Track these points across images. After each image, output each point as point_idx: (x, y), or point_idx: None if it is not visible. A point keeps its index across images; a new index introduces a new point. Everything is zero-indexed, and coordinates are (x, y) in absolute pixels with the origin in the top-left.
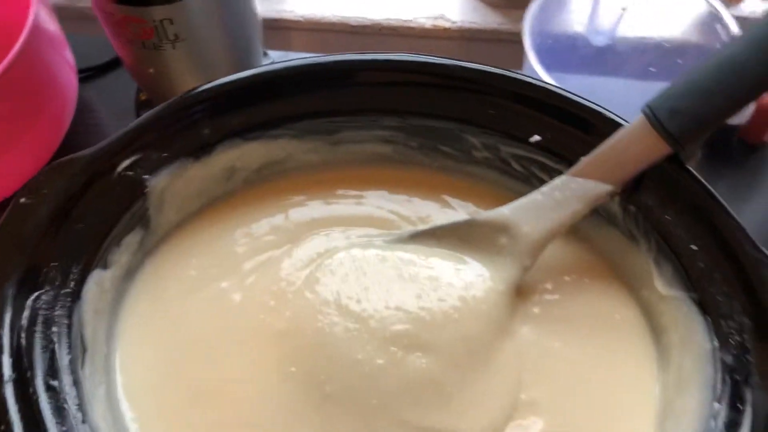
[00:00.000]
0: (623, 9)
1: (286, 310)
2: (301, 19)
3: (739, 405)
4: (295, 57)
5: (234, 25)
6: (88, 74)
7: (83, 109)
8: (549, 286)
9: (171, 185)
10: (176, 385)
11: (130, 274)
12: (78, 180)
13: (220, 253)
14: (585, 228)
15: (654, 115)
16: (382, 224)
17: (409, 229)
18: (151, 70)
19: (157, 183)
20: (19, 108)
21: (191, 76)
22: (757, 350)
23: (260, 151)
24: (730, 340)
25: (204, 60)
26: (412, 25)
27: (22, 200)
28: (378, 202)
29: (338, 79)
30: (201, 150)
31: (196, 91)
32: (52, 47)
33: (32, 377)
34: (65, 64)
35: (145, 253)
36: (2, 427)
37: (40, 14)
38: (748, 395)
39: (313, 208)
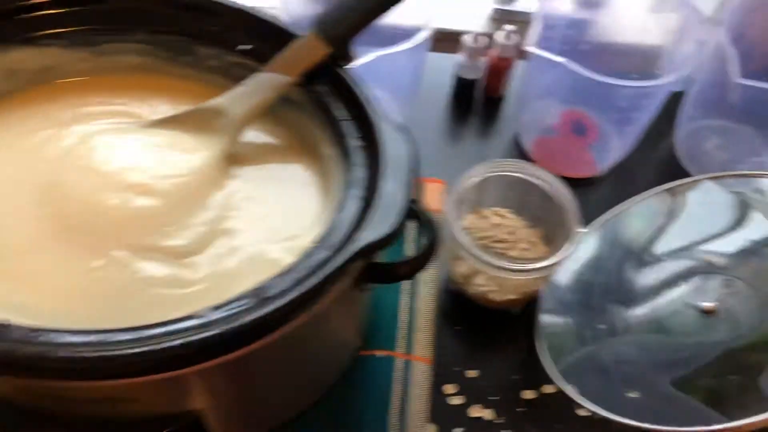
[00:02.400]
0: None
1: (47, 169)
2: None
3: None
4: None
5: None
6: None
7: None
8: (256, 155)
9: None
10: None
11: None
12: None
13: (7, 132)
14: (279, 112)
15: (318, 25)
16: (132, 117)
17: (150, 119)
18: None
19: None
20: None
21: None
22: (367, 172)
23: (34, 55)
24: (355, 171)
25: None
26: None
27: None
28: (136, 102)
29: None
30: None
31: None
32: None
33: None
34: None
35: None
36: None
37: None
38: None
39: (83, 105)
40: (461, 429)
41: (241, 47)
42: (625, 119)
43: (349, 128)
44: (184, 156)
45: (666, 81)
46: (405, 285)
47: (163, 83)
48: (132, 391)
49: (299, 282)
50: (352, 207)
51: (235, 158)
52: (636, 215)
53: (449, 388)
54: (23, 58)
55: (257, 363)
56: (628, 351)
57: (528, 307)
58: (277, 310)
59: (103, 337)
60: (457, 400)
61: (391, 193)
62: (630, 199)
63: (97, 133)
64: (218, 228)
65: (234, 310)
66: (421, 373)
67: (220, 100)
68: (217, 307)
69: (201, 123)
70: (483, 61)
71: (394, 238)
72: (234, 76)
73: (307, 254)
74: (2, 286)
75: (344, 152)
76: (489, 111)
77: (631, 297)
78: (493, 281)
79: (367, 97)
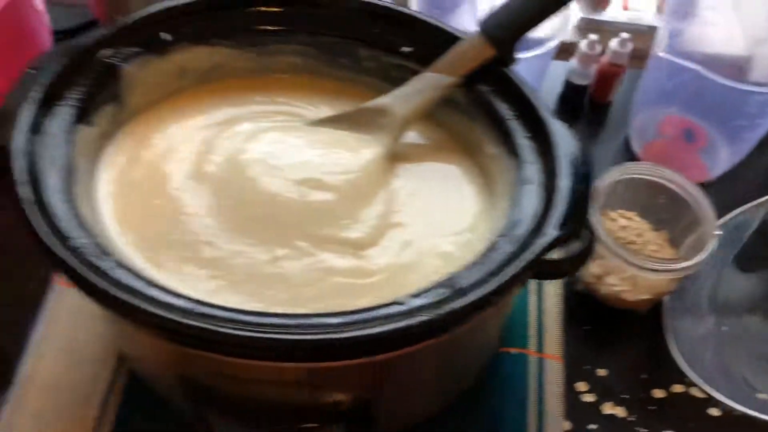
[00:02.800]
0: None
1: (225, 164)
2: None
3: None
4: None
5: None
6: (60, 36)
7: None
8: (416, 154)
9: (138, 73)
10: (145, 202)
11: (108, 134)
12: (72, 60)
13: (178, 128)
14: (439, 114)
15: (484, 27)
16: (294, 116)
17: (313, 118)
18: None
19: (128, 70)
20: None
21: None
22: (543, 169)
23: (205, 55)
24: (527, 168)
25: None
26: None
27: (29, 71)
28: (296, 101)
29: (264, 3)
30: (162, 49)
31: (159, 7)
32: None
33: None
34: (41, 22)
35: (120, 122)
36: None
37: None
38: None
39: (248, 103)
40: (595, 426)
41: (403, 49)
42: (749, 126)
43: (515, 126)
44: (350, 154)
45: None
46: (532, 285)
47: (320, 84)
48: (323, 377)
49: (491, 274)
50: (531, 202)
51: (396, 157)
52: (751, 220)
53: (581, 386)
54: (194, 57)
55: (429, 353)
56: (755, 350)
57: (654, 307)
58: (478, 300)
59: (316, 321)
60: (589, 398)
61: (573, 189)
62: (747, 205)
63: (265, 130)
64: (388, 222)
65: (432, 299)
66: (553, 371)
67: (385, 100)
68: (415, 295)
69: (365, 122)
70: (594, 68)
71: (580, 233)
72: (391, 78)
73: (492, 248)
74: (193, 271)
75: (512, 150)
76: (596, 116)
77: (753, 300)
78: (627, 281)
79: (535, 95)
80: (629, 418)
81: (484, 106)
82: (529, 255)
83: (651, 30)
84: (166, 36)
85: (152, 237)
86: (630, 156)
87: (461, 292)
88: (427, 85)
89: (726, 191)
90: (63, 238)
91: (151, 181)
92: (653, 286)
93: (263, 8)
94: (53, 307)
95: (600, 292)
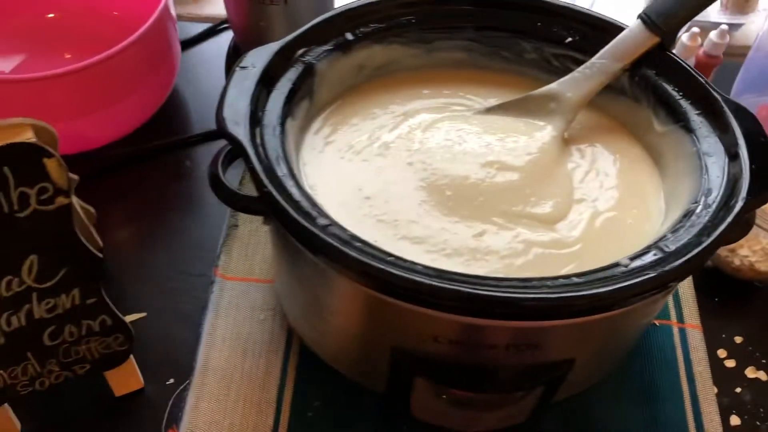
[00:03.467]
0: None
1: (413, 151)
2: None
3: (717, 176)
4: None
5: None
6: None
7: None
8: (583, 137)
9: (328, 70)
10: (351, 189)
11: (304, 128)
12: (274, 60)
13: (362, 120)
14: (602, 100)
15: (647, 17)
16: (461, 107)
17: (484, 105)
18: (262, 23)
19: (320, 67)
20: (146, 63)
21: (290, 30)
22: (721, 141)
23: (380, 53)
24: (705, 142)
25: (302, 15)
26: None
27: (237, 69)
28: (462, 92)
29: (433, 3)
30: (346, 47)
31: (343, 8)
32: (171, 22)
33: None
34: (175, 34)
35: (311, 116)
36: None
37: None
38: (726, 167)
39: (418, 96)
40: (740, 389)
41: (568, 40)
42: None
43: (685, 105)
44: (526, 137)
45: None
46: None
47: (484, 76)
48: (543, 337)
49: (699, 235)
50: (717, 172)
51: (567, 140)
52: None
53: (721, 353)
54: (372, 54)
55: (624, 315)
56: None
57: None
58: (693, 258)
59: (555, 282)
60: (730, 363)
61: (756, 158)
62: None
63: (442, 120)
64: (572, 198)
65: (650, 260)
66: (696, 339)
67: (554, 86)
68: (633, 258)
69: (535, 108)
70: (692, 60)
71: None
72: (552, 68)
73: (688, 214)
74: (409, 247)
75: (686, 126)
76: None
77: None
78: (758, 252)
79: (701, 76)
80: None
81: (650, 88)
82: (730, 216)
83: (738, 26)
84: (349, 35)
85: (360, 218)
86: None
87: (675, 254)
88: (596, 71)
89: None
90: (310, 218)
91: (349, 168)
92: None
93: (430, 8)
94: (217, 299)
95: (732, 265)
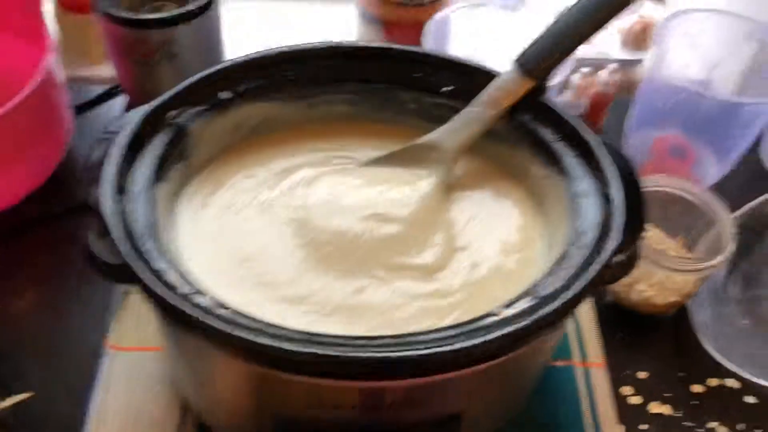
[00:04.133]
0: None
1: (293, 208)
2: None
3: (592, 217)
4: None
5: (211, 43)
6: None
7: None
8: (465, 184)
9: (203, 131)
10: (229, 251)
11: (178, 192)
12: (142, 124)
13: (240, 180)
14: (483, 146)
15: (520, 62)
16: (347, 160)
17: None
18: (148, 85)
19: (194, 128)
20: (30, 129)
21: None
22: (594, 182)
23: (259, 110)
24: (580, 184)
25: (190, 73)
26: None
27: (105, 137)
28: (347, 146)
29: (315, 59)
30: (222, 106)
31: (218, 67)
32: (57, 87)
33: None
34: (64, 99)
35: (186, 179)
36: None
37: (52, 61)
38: (600, 208)
39: (301, 152)
40: (646, 426)
41: (444, 89)
42: (739, 137)
43: (561, 148)
44: (408, 187)
45: None
46: None
47: (366, 127)
48: (424, 393)
49: (572, 279)
50: (592, 213)
51: (449, 187)
52: None
53: (626, 390)
54: (249, 113)
55: (509, 363)
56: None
57: (679, 309)
58: (567, 302)
59: (426, 337)
60: (635, 400)
61: (628, 198)
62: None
63: (324, 175)
64: (454, 246)
65: (523, 307)
66: (599, 378)
67: (434, 136)
68: (507, 306)
69: (417, 158)
70: (585, 99)
71: (639, 237)
72: (433, 117)
73: (563, 257)
74: (286, 309)
75: (562, 169)
76: None
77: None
78: (655, 286)
79: (575, 118)
80: (675, 415)
81: (526, 132)
82: (603, 257)
83: (632, 62)
84: (224, 94)
85: (237, 282)
86: None
87: (549, 298)
88: (472, 119)
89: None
90: (173, 288)
91: (226, 230)
92: (680, 288)
93: (312, 63)
94: (108, 372)
95: (630, 300)
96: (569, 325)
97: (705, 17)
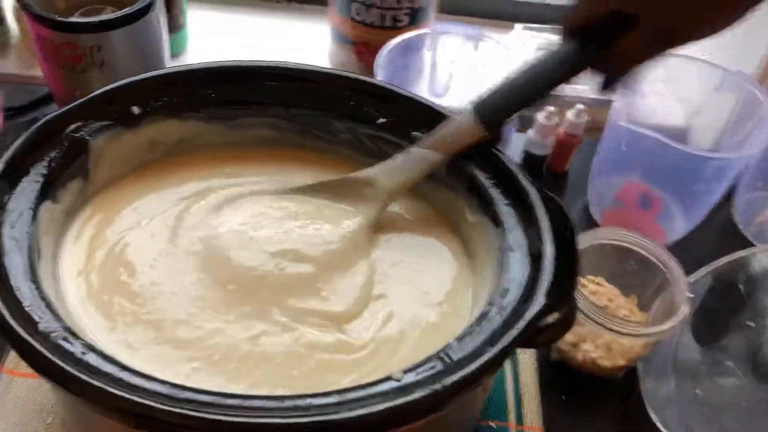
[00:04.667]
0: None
1: (199, 237)
2: None
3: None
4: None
5: (148, 51)
6: (11, 113)
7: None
8: (396, 225)
9: (107, 147)
10: (117, 283)
11: (73, 211)
12: (38, 134)
13: (146, 203)
14: (422, 188)
15: (476, 111)
16: (264, 186)
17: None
18: (78, 92)
19: (96, 143)
20: None
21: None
22: (526, 235)
23: (175, 128)
24: (510, 235)
25: None
26: None
27: None
28: (269, 172)
29: (238, 77)
30: (131, 122)
31: (128, 80)
32: None
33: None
34: None
35: (85, 198)
36: None
37: None
38: (528, 265)
39: (219, 175)
40: None
41: (379, 121)
42: (705, 191)
43: (495, 194)
44: (330, 224)
45: (753, 152)
46: None
47: (295, 155)
48: None
49: (485, 344)
50: (517, 270)
51: (377, 228)
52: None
53: None
54: (164, 130)
55: (421, 429)
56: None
57: (627, 372)
58: (475, 372)
59: (309, 402)
60: None
61: (559, 255)
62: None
63: (239, 201)
64: (371, 293)
65: (427, 374)
66: None
67: (371, 172)
68: (409, 370)
69: (348, 192)
70: (551, 138)
71: (568, 300)
72: (369, 150)
73: (481, 318)
74: (168, 352)
75: (494, 217)
76: (555, 185)
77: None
78: (602, 347)
79: (513, 163)
80: None
81: (464, 176)
82: (522, 323)
83: (604, 102)
84: (136, 109)
85: (121, 318)
86: (590, 223)
87: (457, 365)
88: (416, 160)
89: (684, 256)
90: (30, 321)
91: (120, 258)
92: (628, 351)
93: (235, 83)
94: (1, 399)
95: (576, 360)
96: (508, 384)
97: (683, 63)
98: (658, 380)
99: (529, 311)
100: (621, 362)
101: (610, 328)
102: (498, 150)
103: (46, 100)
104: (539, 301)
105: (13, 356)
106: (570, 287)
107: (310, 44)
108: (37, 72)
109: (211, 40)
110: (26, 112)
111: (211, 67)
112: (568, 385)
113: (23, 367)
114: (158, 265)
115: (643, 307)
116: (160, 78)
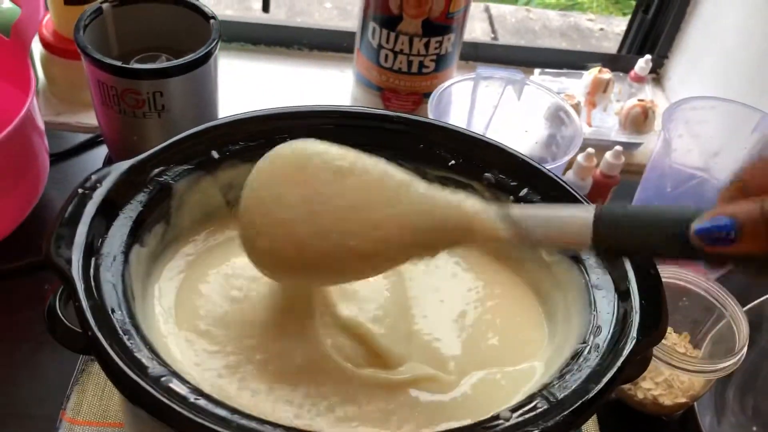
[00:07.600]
0: (494, 107)
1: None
2: None
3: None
4: None
5: (204, 98)
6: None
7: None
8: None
9: (189, 191)
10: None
11: (155, 256)
12: (123, 179)
13: (223, 248)
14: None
15: (599, 224)
16: None
17: None
18: (135, 138)
19: (179, 187)
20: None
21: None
22: (611, 274)
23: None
24: (593, 274)
25: (179, 129)
26: None
27: (80, 191)
28: None
29: (312, 119)
30: (211, 166)
31: (210, 124)
32: (36, 132)
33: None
34: (42, 145)
35: (167, 243)
36: None
37: (33, 105)
38: (615, 302)
39: None
40: None
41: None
42: None
43: None
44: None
45: None
46: None
47: None
48: None
49: (586, 382)
50: (607, 308)
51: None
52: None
53: None
54: (241, 174)
55: None
56: None
57: (685, 412)
58: (580, 407)
59: None
60: None
61: (646, 293)
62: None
63: None
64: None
65: (533, 412)
66: None
67: None
68: (514, 409)
69: None
70: (589, 180)
71: (658, 336)
72: None
73: (577, 356)
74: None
75: (575, 258)
76: None
77: None
78: (662, 385)
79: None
80: None
81: None
82: (620, 360)
83: (634, 145)
84: (215, 153)
85: (217, 366)
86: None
87: (561, 403)
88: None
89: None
90: (141, 367)
91: (205, 309)
92: (688, 388)
93: (308, 124)
94: None
95: (636, 398)
96: None
97: (717, 105)
98: (718, 417)
99: (626, 348)
100: (682, 399)
101: (675, 366)
102: (570, 187)
103: (90, 145)
104: (633, 337)
105: (73, 403)
106: (660, 323)
107: (331, 90)
108: (66, 119)
109: (234, 87)
110: (71, 157)
111: (285, 111)
112: (628, 425)
113: (83, 414)
114: (245, 313)
115: (697, 344)
116: (238, 122)
